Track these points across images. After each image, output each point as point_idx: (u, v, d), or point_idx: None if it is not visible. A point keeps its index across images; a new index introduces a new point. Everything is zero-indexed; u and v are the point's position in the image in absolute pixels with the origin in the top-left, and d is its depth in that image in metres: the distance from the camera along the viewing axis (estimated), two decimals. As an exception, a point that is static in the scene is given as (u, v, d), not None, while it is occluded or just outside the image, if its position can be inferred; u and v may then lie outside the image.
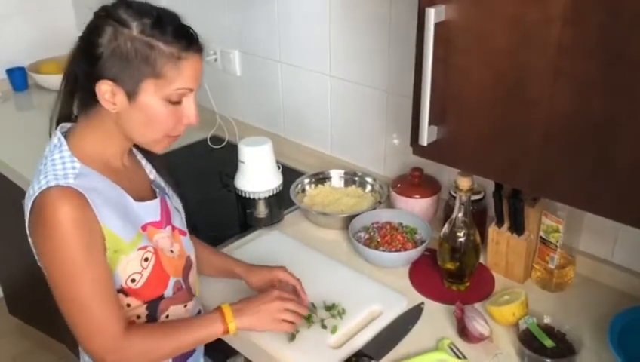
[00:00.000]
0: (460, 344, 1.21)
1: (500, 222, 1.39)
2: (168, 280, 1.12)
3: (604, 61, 0.89)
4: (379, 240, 1.49)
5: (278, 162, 1.69)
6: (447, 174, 1.60)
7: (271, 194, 1.60)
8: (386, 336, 1.24)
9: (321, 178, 1.79)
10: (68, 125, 1.11)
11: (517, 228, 1.35)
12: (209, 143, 2.13)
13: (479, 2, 0.99)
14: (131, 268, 1.06)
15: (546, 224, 1.32)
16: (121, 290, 1.07)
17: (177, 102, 1.03)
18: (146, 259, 1.08)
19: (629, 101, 0.89)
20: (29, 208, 1.00)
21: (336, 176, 1.80)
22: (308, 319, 1.25)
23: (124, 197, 1.08)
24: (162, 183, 1.23)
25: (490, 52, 1.01)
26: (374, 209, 1.61)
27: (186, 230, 1.23)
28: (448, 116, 1.11)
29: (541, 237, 1.34)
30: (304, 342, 1.21)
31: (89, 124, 1.07)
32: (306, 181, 1.77)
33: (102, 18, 1.00)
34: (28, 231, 1.03)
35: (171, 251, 1.15)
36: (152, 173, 1.22)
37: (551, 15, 0.92)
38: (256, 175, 1.59)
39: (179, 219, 1.22)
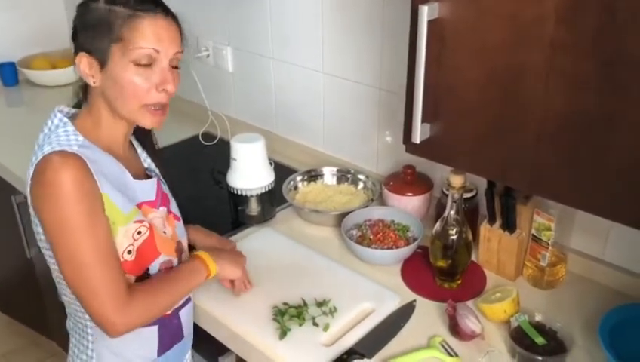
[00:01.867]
0: (452, 341, 1.21)
1: (491, 220, 1.39)
2: (157, 257, 1.12)
3: (598, 59, 0.89)
4: (371, 237, 1.49)
5: (270, 159, 1.68)
6: (439, 172, 1.60)
7: (263, 191, 1.59)
8: (378, 334, 1.24)
9: (313, 175, 1.79)
10: (66, 110, 1.13)
11: (509, 225, 1.35)
12: (201, 140, 2.12)
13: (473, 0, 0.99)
14: (127, 240, 1.07)
15: (537, 222, 1.32)
16: None
17: (147, 65, 1.04)
18: (139, 233, 1.09)
19: (623, 99, 0.89)
20: (31, 174, 1.01)
21: (329, 174, 1.79)
22: (299, 316, 1.25)
23: (124, 173, 1.10)
24: (157, 171, 1.25)
25: (483, 50, 1.01)
26: (367, 206, 1.61)
27: (180, 216, 1.24)
28: (441, 114, 1.11)
29: (533, 235, 1.35)
30: (296, 340, 1.21)
31: (88, 110, 1.10)
32: (299, 178, 1.77)
33: (82, 2, 1.07)
34: (29, 200, 1.03)
35: (164, 232, 1.16)
36: (145, 162, 1.24)
37: (545, 13, 0.92)
38: (249, 172, 1.58)
39: (175, 205, 1.24)
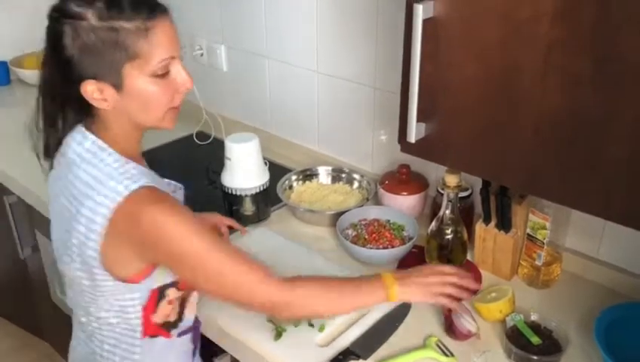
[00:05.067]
0: (448, 341, 1.21)
1: (487, 219, 1.39)
2: None
3: (594, 57, 0.89)
4: (366, 237, 1.48)
5: (264, 158, 1.67)
6: (434, 171, 1.60)
7: (258, 191, 1.58)
8: (373, 334, 1.23)
9: (308, 174, 1.78)
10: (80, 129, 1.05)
11: (504, 225, 1.35)
12: (195, 139, 2.11)
13: (468, -2, 0.99)
14: None
15: (533, 221, 1.32)
16: (174, 284, 1.08)
17: (165, 74, 0.99)
18: None
19: (619, 98, 0.88)
20: (109, 215, 0.96)
21: (324, 173, 1.79)
22: (295, 317, 1.24)
23: (168, 189, 1.10)
24: None
25: (479, 48, 1.00)
26: (362, 206, 1.60)
27: None
28: (436, 113, 1.10)
29: (528, 234, 1.35)
30: (291, 340, 1.20)
31: (101, 125, 1.03)
32: (294, 178, 1.76)
33: (56, 20, 0.95)
34: (100, 237, 0.98)
35: None
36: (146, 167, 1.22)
37: (541, 11, 0.91)
38: (243, 172, 1.57)
39: None
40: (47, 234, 1.91)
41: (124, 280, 1.02)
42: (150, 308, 1.07)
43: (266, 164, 1.62)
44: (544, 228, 1.31)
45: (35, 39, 3.01)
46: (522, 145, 1.01)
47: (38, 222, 1.94)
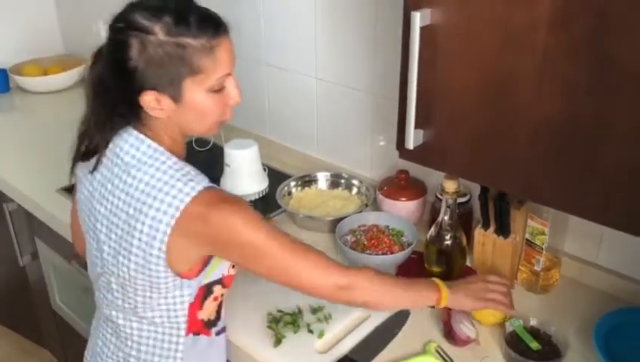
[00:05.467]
0: (447, 347, 1.21)
1: (486, 225, 1.39)
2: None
3: (590, 64, 0.89)
4: (365, 243, 1.49)
5: (264, 165, 1.68)
6: (433, 176, 1.60)
7: (257, 197, 1.59)
8: (372, 340, 1.23)
9: (307, 180, 1.79)
10: (132, 133, 1.07)
11: (503, 230, 1.36)
12: (194, 146, 2.11)
13: (465, 6, 0.99)
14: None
15: (531, 226, 1.33)
16: (220, 280, 1.11)
17: (221, 89, 1.03)
18: None
19: (615, 104, 0.89)
20: (177, 215, 0.99)
21: (323, 179, 1.79)
22: (294, 324, 1.24)
23: None
24: None
25: (476, 55, 1.01)
26: (361, 212, 1.60)
27: None
28: (434, 120, 1.11)
29: (527, 239, 1.35)
30: (291, 347, 1.21)
31: (149, 130, 1.06)
32: (292, 184, 1.76)
33: (122, 31, 0.97)
34: (166, 237, 1.00)
35: None
36: None
37: (537, 18, 0.92)
38: (242, 178, 1.58)
39: None
40: (46, 241, 1.92)
41: (182, 276, 1.05)
42: (197, 304, 1.10)
43: (265, 170, 1.63)
44: (543, 233, 1.31)
45: (34, 47, 3.03)
46: (520, 151, 1.01)
47: (37, 229, 1.94)
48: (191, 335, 1.12)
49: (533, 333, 1.20)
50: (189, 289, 1.07)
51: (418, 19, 1.01)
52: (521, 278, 1.39)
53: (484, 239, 1.39)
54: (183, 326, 1.10)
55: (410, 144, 1.12)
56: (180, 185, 1.00)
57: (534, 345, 1.17)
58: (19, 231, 2.06)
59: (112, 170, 1.06)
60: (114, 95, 1.03)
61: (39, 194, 1.81)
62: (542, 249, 1.32)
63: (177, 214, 0.98)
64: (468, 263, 1.41)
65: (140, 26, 0.96)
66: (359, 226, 1.55)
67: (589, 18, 0.87)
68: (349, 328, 1.25)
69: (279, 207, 1.67)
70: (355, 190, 1.75)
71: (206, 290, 1.10)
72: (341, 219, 1.56)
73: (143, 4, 0.99)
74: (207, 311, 1.12)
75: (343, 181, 1.78)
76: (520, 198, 1.33)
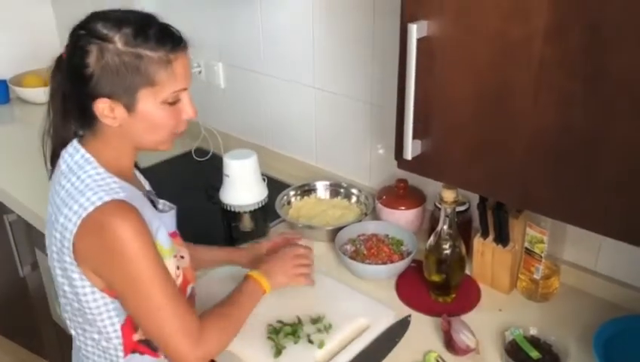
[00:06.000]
0: (447, 357, 1.21)
1: (484, 234, 1.39)
2: (187, 287, 1.15)
3: (585, 76, 0.90)
4: (365, 252, 1.49)
5: (263, 174, 1.68)
6: (432, 185, 1.60)
7: (256, 207, 1.59)
8: (373, 350, 1.23)
9: (306, 190, 1.79)
10: (74, 142, 1.09)
11: (502, 239, 1.36)
12: (193, 156, 2.11)
13: (461, 18, 1.00)
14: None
15: (530, 235, 1.33)
16: None
17: (175, 102, 1.04)
18: (178, 268, 1.11)
19: (610, 115, 0.90)
20: (78, 223, 0.98)
21: (322, 188, 1.80)
22: (294, 334, 1.24)
23: (150, 207, 1.11)
24: (154, 193, 1.24)
25: (472, 67, 1.02)
26: (360, 221, 1.61)
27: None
28: (432, 130, 1.11)
29: (526, 248, 1.35)
30: (291, 358, 1.20)
31: (98, 140, 1.07)
32: (292, 193, 1.77)
33: (82, 37, 0.99)
34: (72, 246, 1.00)
35: (182, 257, 1.17)
36: (146, 184, 1.24)
37: (532, 31, 0.93)
38: (242, 188, 1.59)
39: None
40: (47, 252, 1.92)
41: (103, 291, 1.04)
42: (129, 325, 1.08)
43: (264, 180, 1.64)
44: (542, 241, 1.31)
45: (34, 58, 3.03)
46: (517, 162, 1.02)
47: (37, 240, 1.94)
48: (131, 354, 1.10)
49: (533, 342, 1.20)
50: (116, 310, 1.06)
51: (415, 31, 1.02)
52: (520, 287, 1.39)
53: (484, 248, 1.40)
54: (120, 346, 1.09)
55: (409, 155, 1.12)
56: (89, 194, 0.99)
57: (534, 354, 1.17)
58: (19, 242, 2.06)
59: (54, 177, 1.09)
60: (70, 101, 1.06)
61: (39, 205, 1.81)
62: (541, 257, 1.33)
63: (79, 222, 0.98)
64: (467, 272, 1.41)
65: (100, 35, 0.97)
66: (359, 235, 1.55)
67: (584, 30, 0.88)
68: (349, 338, 1.25)
69: (279, 216, 1.67)
70: (354, 199, 1.76)
71: None
72: (340, 228, 1.56)
73: (106, 14, 1.01)
74: (142, 332, 1.09)
75: (342, 190, 1.78)
76: (518, 208, 1.34)
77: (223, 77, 2.09)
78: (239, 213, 1.58)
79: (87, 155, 1.05)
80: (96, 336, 1.09)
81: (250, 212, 1.59)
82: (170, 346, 1.03)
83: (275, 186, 1.79)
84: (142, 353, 1.12)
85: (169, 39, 1.01)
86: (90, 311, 1.06)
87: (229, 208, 1.59)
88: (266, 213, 1.63)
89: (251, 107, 2.05)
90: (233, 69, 2.05)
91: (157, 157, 2.05)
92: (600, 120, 0.91)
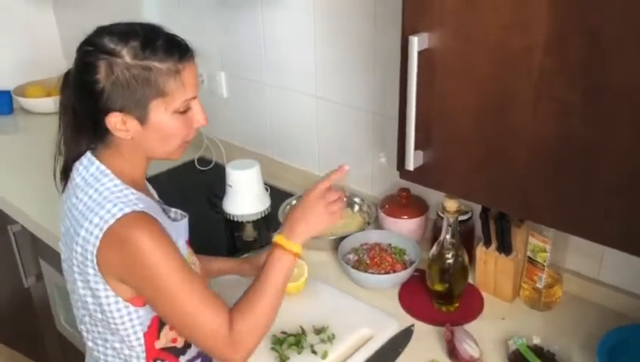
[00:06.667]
0: (451, 367, 1.21)
1: (487, 243, 1.40)
2: None
3: (584, 87, 0.90)
4: (368, 262, 1.49)
5: (265, 184, 1.69)
6: (434, 194, 1.60)
7: (259, 217, 1.60)
8: (376, 360, 1.23)
9: (309, 199, 1.79)
10: (88, 155, 1.10)
11: (504, 248, 1.36)
12: (196, 165, 2.12)
13: (462, 30, 1.01)
14: None
15: (533, 244, 1.33)
16: None
17: (186, 111, 1.05)
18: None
19: (610, 124, 0.90)
20: (100, 236, 0.99)
21: (325, 197, 1.79)
22: (298, 345, 1.25)
23: (166, 218, 1.12)
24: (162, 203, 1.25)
25: (473, 78, 1.02)
26: (363, 230, 1.61)
27: None
28: (433, 141, 1.12)
29: (528, 256, 1.35)
30: (295, 369, 1.21)
31: (111, 153, 1.08)
32: (294, 202, 1.77)
33: (90, 53, 1.00)
34: (95, 258, 1.01)
35: (193, 264, 1.18)
36: (155, 193, 1.24)
37: (532, 42, 0.93)
38: (244, 198, 1.59)
39: None
40: (51, 262, 1.93)
41: (130, 302, 1.05)
42: (152, 333, 1.09)
43: (267, 189, 1.64)
44: (544, 250, 1.31)
45: (37, 69, 3.05)
46: (518, 172, 1.02)
47: (42, 250, 1.95)
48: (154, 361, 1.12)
49: (536, 352, 1.20)
50: (140, 318, 1.07)
51: (416, 43, 1.02)
52: (523, 296, 1.39)
53: (486, 257, 1.40)
54: (142, 354, 1.10)
55: (411, 165, 1.13)
56: (109, 206, 1.00)
57: (538, 363, 1.17)
58: (23, 253, 2.07)
59: (69, 190, 1.10)
60: (81, 116, 1.07)
61: (43, 215, 1.82)
62: (544, 266, 1.33)
63: (101, 235, 0.99)
64: (470, 280, 1.42)
65: (108, 49, 0.98)
66: (361, 245, 1.56)
67: (583, 41, 0.88)
68: (352, 348, 1.25)
69: (281, 225, 1.67)
70: (356, 208, 1.76)
71: (159, 320, 1.09)
72: (343, 237, 1.56)
73: (112, 28, 1.02)
74: (165, 340, 1.12)
75: (344, 199, 1.78)
76: (519, 218, 1.34)
77: (226, 87, 2.10)
78: (242, 222, 1.59)
79: (103, 167, 1.06)
80: (117, 345, 1.10)
81: (253, 222, 1.59)
82: (210, 349, 1.05)
83: (277, 196, 1.79)
84: (163, 359, 1.13)
85: (176, 49, 1.02)
86: (113, 321, 1.07)
87: (232, 218, 1.59)
88: (268, 223, 1.63)
89: (254, 116, 2.05)
90: (236, 78, 2.06)
91: (160, 167, 2.05)
92: (600, 129, 0.91)
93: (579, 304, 1.38)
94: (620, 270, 1.35)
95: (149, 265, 0.99)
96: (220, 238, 1.66)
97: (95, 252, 1.00)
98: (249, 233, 1.61)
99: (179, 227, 1.15)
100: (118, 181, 1.05)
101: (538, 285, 1.35)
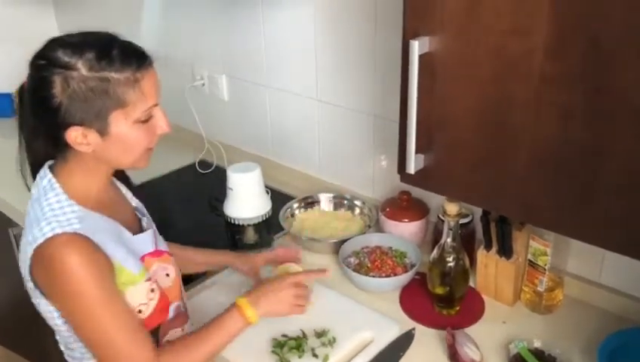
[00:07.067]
0: (452, 370, 1.21)
1: (488, 246, 1.40)
2: (169, 307, 1.14)
3: (585, 91, 0.90)
4: (369, 265, 1.49)
5: (266, 186, 1.69)
6: (435, 197, 1.60)
7: (260, 220, 1.60)
8: (377, 364, 1.24)
9: (310, 202, 1.79)
10: (45, 167, 1.08)
11: (505, 251, 1.36)
12: (197, 168, 2.12)
13: (462, 34, 1.01)
14: (138, 298, 1.06)
15: (533, 247, 1.33)
16: None
17: (148, 120, 1.03)
18: (152, 290, 1.09)
19: (611, 129, 0.90)
20: (31, 254, 0.98)
21: (325, 200, 1.80)
22: (299, 348, 1.25)
23: (123, 231, 1.09)
24: (141, 207, 1.23)
25: (474, 82, 1.02)
26: (364, 233, 1.61)
27: (168, 250, 1.22)
28: (434, 145, 1.12)
29: (529, 260, 1.35)
30: (296, 372, 1.21)
31: (70, 165, 1.05)
32: (295, 205, 1.77)
33: (44, 68, 0.96)
34: (29, 276, 1.01)
35: (167, 275, 1.16)
36: (133, 200, 1.22)
37: (533, 46, 0.93)
38: (245, 201, 1.59)
39: (162, 242, 1.21)
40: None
41: (62, 316, 1.04)
42: None
43: (268, 192, 1.64)
44: (545, 254, 1.31)
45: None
46: (518, 176, 1.02)
47: (42, 253, 1.95)
48: None
49: (537, 355, 1.20)
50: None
51: (417, 47, 1.02)
52: (524, 299, 1.39)
53: (487, 260, 1.40)
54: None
55: (412, 169, 1.13)
56: (43, 224, 0.98)
57: (539, 367, 1.17)
58: (24, 256, 2.07)
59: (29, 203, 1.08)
60: (40, 131, 1.04)
61: (44, 219, 1.82)
62: (544, 269, 1.33)
63: (31, 253, 0.98)
64: (471, 284, 1.41)
65: (62, 63, 0.95)
66: (362, 248, 1.56)
67: (584, 45, 0.88)
68: (353, 352, 1.25)
69: (282, 228, 1.67)
70: (357, 211, 1.76)
71: None
72: (344, 241, 1.56)
73: (65, 40, 0.98)
74: None
75: (345, 202, 1.79)
76: (520, 221, 1.34)
77: (227, 89, 2.11)
78: (243, 225, 1.59)
79: (53, 181, 1.04)
80: (78, 355, 1.11)
81: (254, 225, 1.59)
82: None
83: (278, 198, 1.80)
84: None
85: (134, 58, 0.99)
86: (74, 340, 1.07)
87: (232, 221, 1.59)
88: (269, 226, 1.63)
89: (255, 119, 2.06)
90: (236, 81, 2.07)
91: (160, 170, 2.06)
92: (600, 133, 0.91)
93: (580, 307, 1.38)
94: (620, 273, 1.35)
95: (71, 286, 0.96)
96: (221, 241, 1.66)
97: (28, 269, 1.00)
98: (250, 236, 1.61)
99: (139, 241, 1.12)
100: (63, 197, 1.02)
101: (539, 288, 1.35)
